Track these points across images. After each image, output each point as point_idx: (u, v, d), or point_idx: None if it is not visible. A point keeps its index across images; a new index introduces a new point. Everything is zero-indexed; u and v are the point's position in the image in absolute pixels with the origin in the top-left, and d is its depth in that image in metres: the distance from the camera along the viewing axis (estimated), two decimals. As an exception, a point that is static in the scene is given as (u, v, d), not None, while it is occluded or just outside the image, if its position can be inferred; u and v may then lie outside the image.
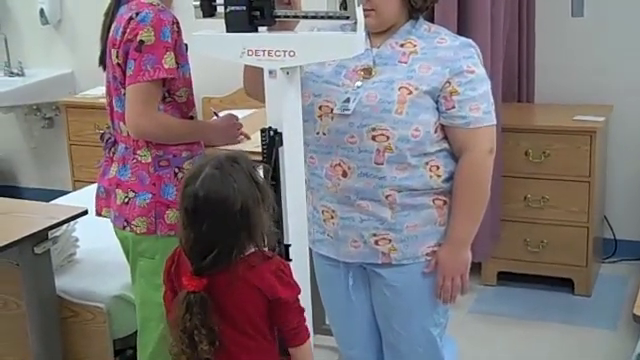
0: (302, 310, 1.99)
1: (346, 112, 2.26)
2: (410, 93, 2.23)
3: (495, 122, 2.32)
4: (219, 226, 1.87)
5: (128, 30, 2.43)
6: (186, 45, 2.51)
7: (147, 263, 2.57)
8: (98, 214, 2.71)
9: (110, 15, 2.59)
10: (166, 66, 2.42)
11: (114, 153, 2.62)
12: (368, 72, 2.29)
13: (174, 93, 2.52)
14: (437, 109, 2.26)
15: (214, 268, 1.90)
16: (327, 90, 2.31)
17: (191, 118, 2.60)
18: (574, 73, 4.22)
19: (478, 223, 2.35)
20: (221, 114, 2.94)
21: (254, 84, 2.27)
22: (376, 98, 2.24)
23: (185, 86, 2.54)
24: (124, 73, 2.47)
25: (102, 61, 2.63)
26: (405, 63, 2.27)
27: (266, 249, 1.97)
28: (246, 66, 2.32)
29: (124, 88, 2.48)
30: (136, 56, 2.41)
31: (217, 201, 1.86)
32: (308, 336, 2.02)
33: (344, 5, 1.99)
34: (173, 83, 2.49)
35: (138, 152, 2.53)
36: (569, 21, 4.14)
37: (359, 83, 2.28)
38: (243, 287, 1.92)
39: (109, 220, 2.65)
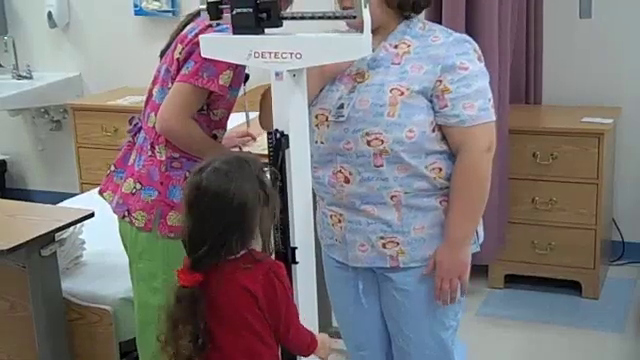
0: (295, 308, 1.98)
1: (340, 119, 2.24)
2: (402, 94, 2.20)
3: (493, 118, 2.26)
4: (215, 219, 1.87)
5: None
6: (247, 75, 2.50)
7: (146, 265, 2.56)
8: (100, 193, 2.71)
9: (191, 17, 2.56)
10: (221, 82, 2.40)
11: (137, 140, 2.62)
12: (361, 76, 2.27)
13: (212, 109, 2.51)
14: (432, 108, 2.23)
15: (206, 262, 1.89)
16: (322, 97, 2.30)
17: (215, 137, 2.58)
18: (582, 75, 4.21)
19: (476, 223, 2.33)
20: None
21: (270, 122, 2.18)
22: (368, 102, 2.22)
23: (226, 108, 2.53)
24: (179, 70, 2.45)
25: (162, 53, 2.60)
26: (398, 64, 2.25)
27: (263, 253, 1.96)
28: (262, 105, 2.32)
29: (172, 83, 2.46)
30: (199, 60, 2.38)
31: (216, 194, 1.87)
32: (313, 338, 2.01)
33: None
34: (216, 100, 2.48)
35: (156, 147, 2.51)
36: (577, 22, 4.13)
37: (352, 88, 2.26)
38: (234, 288, 1.91)
39: (116, 223, 2.65)
